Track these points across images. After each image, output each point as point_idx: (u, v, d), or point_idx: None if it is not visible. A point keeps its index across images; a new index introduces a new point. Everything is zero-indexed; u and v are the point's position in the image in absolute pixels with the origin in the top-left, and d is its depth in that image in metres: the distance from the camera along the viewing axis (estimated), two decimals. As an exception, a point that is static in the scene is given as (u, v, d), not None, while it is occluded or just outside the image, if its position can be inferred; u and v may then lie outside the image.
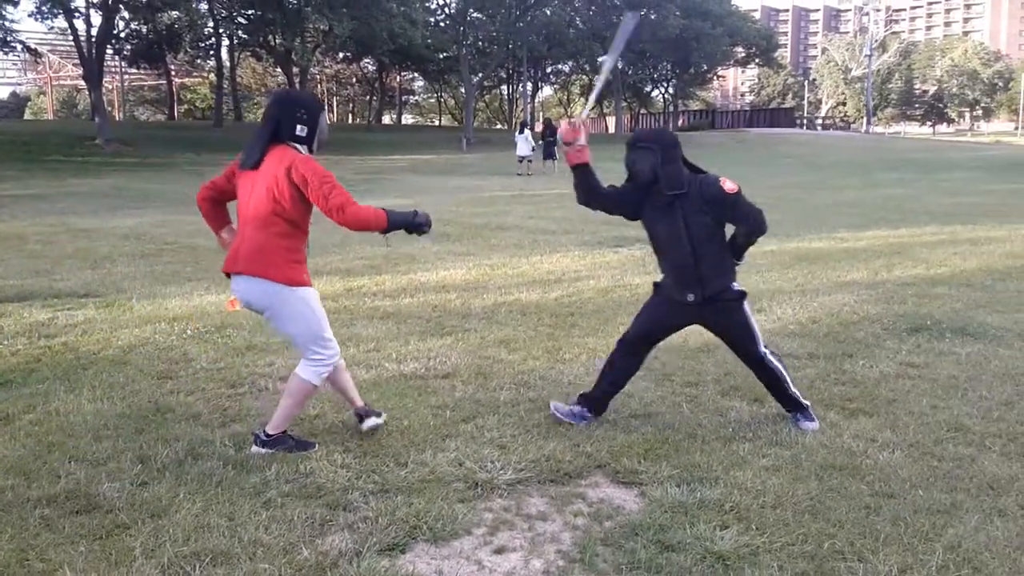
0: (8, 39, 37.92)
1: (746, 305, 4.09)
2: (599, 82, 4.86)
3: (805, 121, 77.55)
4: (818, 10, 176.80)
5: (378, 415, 3.99)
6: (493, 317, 6.58)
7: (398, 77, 71.37)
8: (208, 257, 9.66)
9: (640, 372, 4.98)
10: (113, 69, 57.41)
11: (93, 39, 35.15)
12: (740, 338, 4.12)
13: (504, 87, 72.96)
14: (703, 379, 4.90)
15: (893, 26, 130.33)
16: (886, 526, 3.08)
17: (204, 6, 41.93)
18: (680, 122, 71.48)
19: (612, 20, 54.62)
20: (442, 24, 51.79)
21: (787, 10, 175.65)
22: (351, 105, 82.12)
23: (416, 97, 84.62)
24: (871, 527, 3.07)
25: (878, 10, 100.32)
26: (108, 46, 39.89)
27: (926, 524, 3.09)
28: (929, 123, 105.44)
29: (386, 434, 3.99)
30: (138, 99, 74.20)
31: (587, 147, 4.04)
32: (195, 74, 64.10)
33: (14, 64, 63.05)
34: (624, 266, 8.82)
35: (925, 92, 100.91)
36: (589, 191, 4.11)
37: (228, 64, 53.52)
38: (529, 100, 63.74)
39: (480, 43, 57.02)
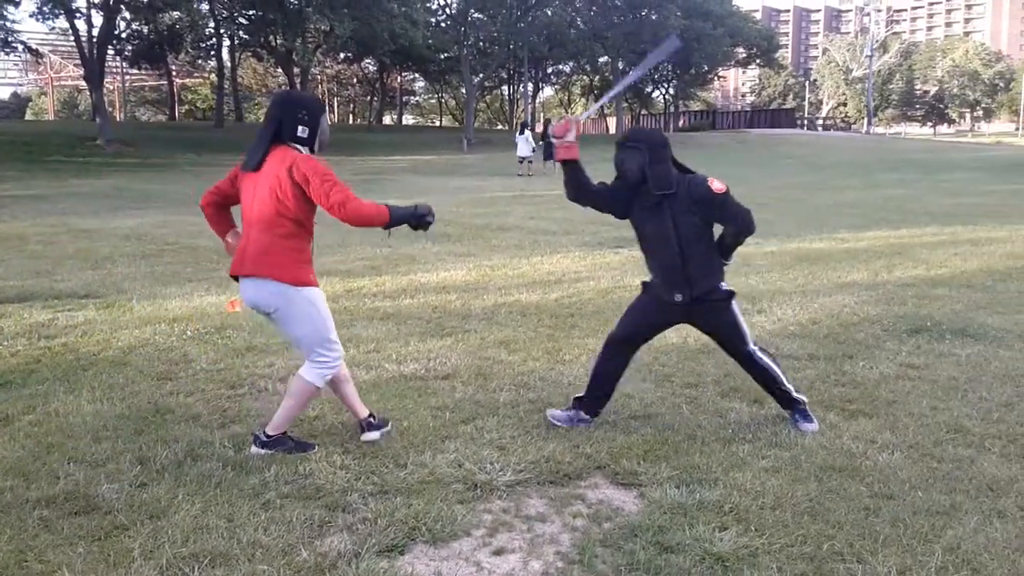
0: (9, 39, 37.94)
1: (735, 304, 4.09)
2: (612, 92, 4.89)
3: (806, 122, 77.51)
4: (819, 10, 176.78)
5: (377, 429, 3.98)
6: (493, 318, 6.58)
7: (399, 77, 71.39)
8: (208, 258, 9.67)
9: (640, 373, 5.00)
10: (114, 70, 57.45)
11: (94, 39, 35.18)
12: (729, 337, 4.12)
13: (505, 88, 72.99)
14: (703, 380, 4.90)
15: (894, 26, 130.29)
16: (885, 527, 3.08)
17: (205, 6, 41.98)
18: (681, 123, 71.49)
19: (613, 21, 54.72)
20: (443, 24, 51.80)
21: (788, 11, 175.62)
22: (352, 106, 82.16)
23: (417, 98, 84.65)
24: (870, 528, 3.07)
25: (879, 10, 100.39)
26: (109, 46, 39.92)
27: (925, 525, 3.08)
28: (930, 124, 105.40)
29: (384, 435, 3.98)
30: (139, 100, 74.25)
31: (576, 145, 4.05)
32: (196, 75, 64.13)
33: (15, 64, 63.08)
34: (624, 267, 8.82)
35: (926, 93, 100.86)
36: (578, 187, 4.12)
37: (229, 64, 53.53)
38: (530, 101, 63.72)
39: (481, 43, 57.01)
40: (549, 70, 69.05)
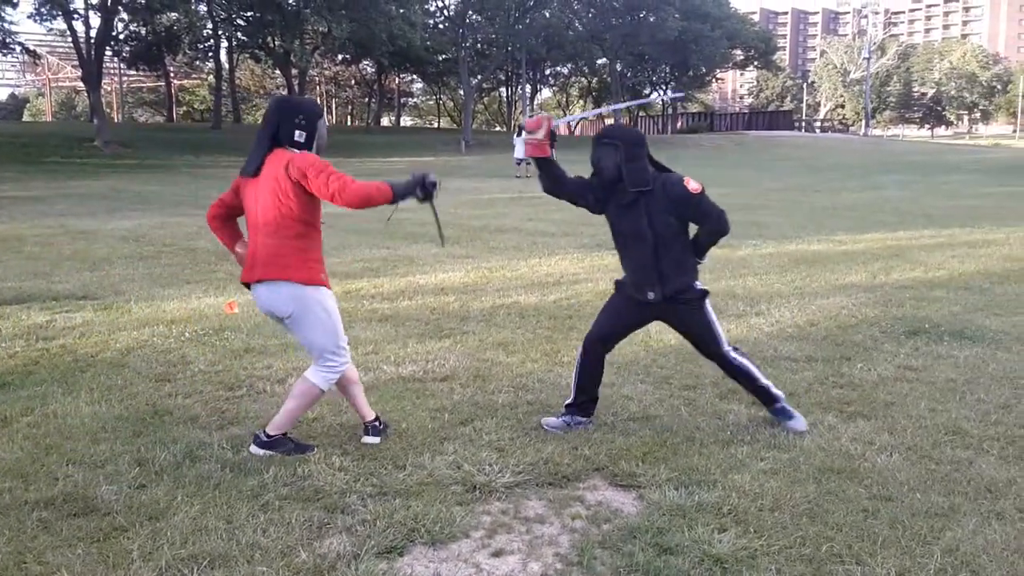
0: (7, 40, 37.89)
1: (708, 305, 4.10)
2: (595, 111, 4.91)
3: (804, 124, 77.69)
4: (817, 13, 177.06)
5: (377, 435, 3.98)
6: (491, 320, 6.58)
7: (397, 79, 71.39)
8: (206, 260, 9.66)
9: (639, 375, 5.00)
10: (112, 71, 57.37)
11: (92, 41, 35.16)
12: (701, 337, 4.13)
13: (503, 89, 73.03)
14: (701, 382, 4.91)
15: (892, 29, 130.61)
16: (884, 529, 3.08)
17: (203, 8, 41.97)
18: (679, 125, 71.60)
19: (611, 22, 54.77)
20: (441, 26, 51.86)
21: (786, 13, 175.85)
22: (350, 107, 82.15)
23: (415, 99, 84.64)
24: (869, 530, 3.08)
25: (877, 13, 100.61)
26: (107, 48, 39.88)
27: (924, 527, 3.09)
28: (927, 126, 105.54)
29: (384, 438, 3.98)
30: (137, 101, 74.18)
31: (547, 142, 4.07)
32: (194, 76, 64.10)
33: (13, 66, 63.03)
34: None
35: (924, 95, 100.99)
36: (553, 181, 4.15)
37: (227, 66, 53.53)
38: (528, 102, 63.74)
39: (479, 45, 57.06)
40: (547, 72, 69.14)
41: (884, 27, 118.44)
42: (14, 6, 33.27)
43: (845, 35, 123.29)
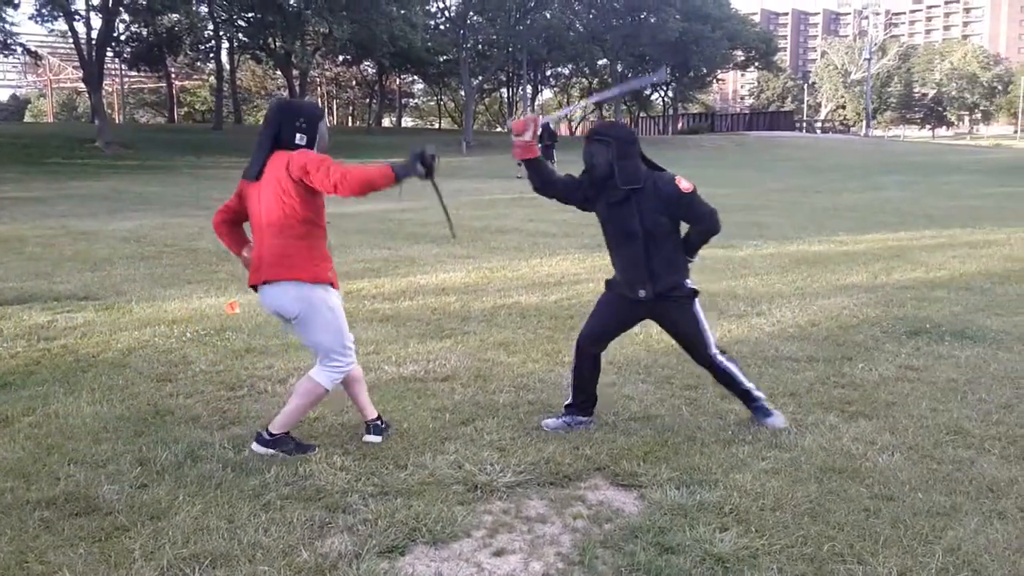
0: (8, 41, 37.92)
1: (697, 305, 4.10)
2: (583, 102, 4.91)
3: (804, 124, 77.69)
4: (817, 14, 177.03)
5: (378, 434, 3.98)
6: (492, 320, 6.59)
7: (398, 80, 71.40)
8: (207, 260, 9.67)
9: (640, 375, 5.00)
10: (113, 72, 57.41)
11: (93, 42, 35.16)
12: (689, 336, 4.12)
13: (504, 90, 73.02)
14: (703, 382, 4.89)
15: (892, 29, 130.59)
16: (886, 528, 3.08)
17: (204, 9, 41.96)
18: (680, 125, 71.58)
19: (612, 23, 54.75)
20: (442, 27, 51.83)
21: (786, 14, 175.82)
22: (351, 108, 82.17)
23: (416, 100, 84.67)
24: (871, 530, 3.08)
25: (877, 13, 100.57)
26: (108, 49, 39.91)
27: (925, 527, 3.09)
28: (928, 126, 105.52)
29: (385, 437, 3.99)
30: (138, 102, 74.23)
31: (534, 143, 4.08)
32: (195, 77, 64.11)
33: (14, 67, 63.01)
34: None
35: (924, 95, 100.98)
36: (543, 181, 4.16)
37: (228, 67, 53.54)
38: (529, 103, 63.74)
39: (480, 46, 57.03)
40: (548, 73, 69.08)
41: (885, 28, 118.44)
42: (15, 7, 33.29)
43: (846, 36, 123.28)
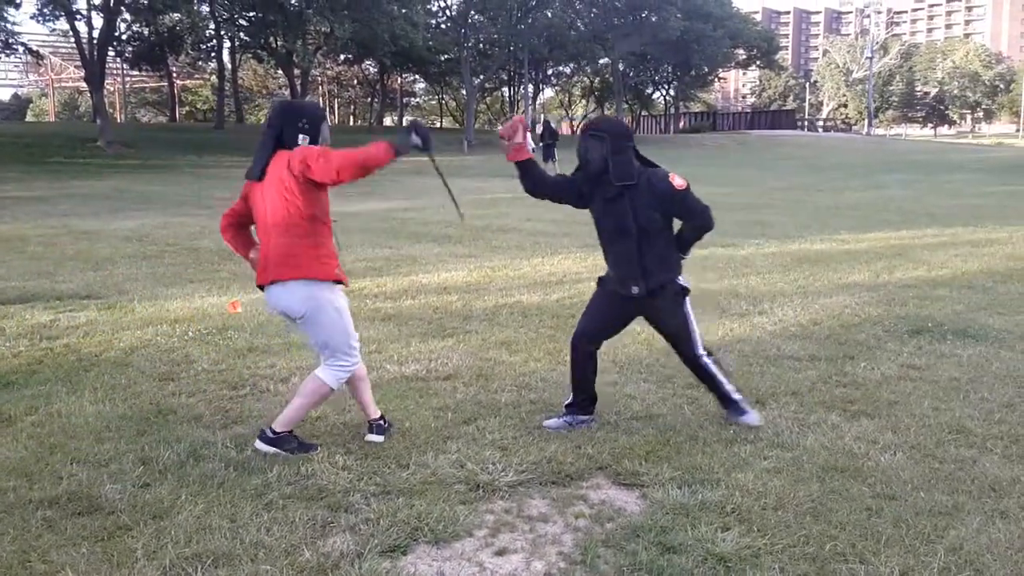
0: (10, 41, 37.92)
1: (688, 303, 4.09)
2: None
3: (806, 123, 77.60)
4: (819, 12, 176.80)
5: (381, 433, 3.99)
6: (494, 319, 6.59)
7: (399, 79, 71.37)
8: (209, 259, 9.67)
9: (642, 374, 5.00)
10: (115, 71, 57.45)
11: (95, 41, 35.16)
12: (676, 333, 4.12)
13: (505, 89, 73.01)
14: (704, 381, 4.89)
15: (894, 28, 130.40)
16: (888, 528, 3.08)
17: (205, 8, 41.96)
18: (681, 124, 71.52)
19: (613, 22, 54.71)
20: (443, 26, 51.79)
21: (788, 12, 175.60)
22: (352, 107, 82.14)
23: (417, 99, 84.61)
24: (873, 529, 3.07)
25: (879, 12, 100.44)
26: (110, 48, 39.88)
27: (928, 526, 3.09)
28: (930, 125, 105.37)
29: (388, 436, 3.99)
30: (140, 101, 74.25)
31: (525, 144, 4.12)
32: (196, 76, 64.12)
33: (16, 66, 63.01)
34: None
35: (926, 94, 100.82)
36: (534, 181, 4.20)
37: (229, 66, 53.53)
38: (530, 102, 63.73)
39: (481, 45, 57.03)
40: (549, 71, 69.05)
41: (887, 26, 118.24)
42: (17, 6, 33.27)
43: (848, 34, 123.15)
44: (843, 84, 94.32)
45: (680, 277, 4.07)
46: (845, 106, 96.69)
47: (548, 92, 79.92)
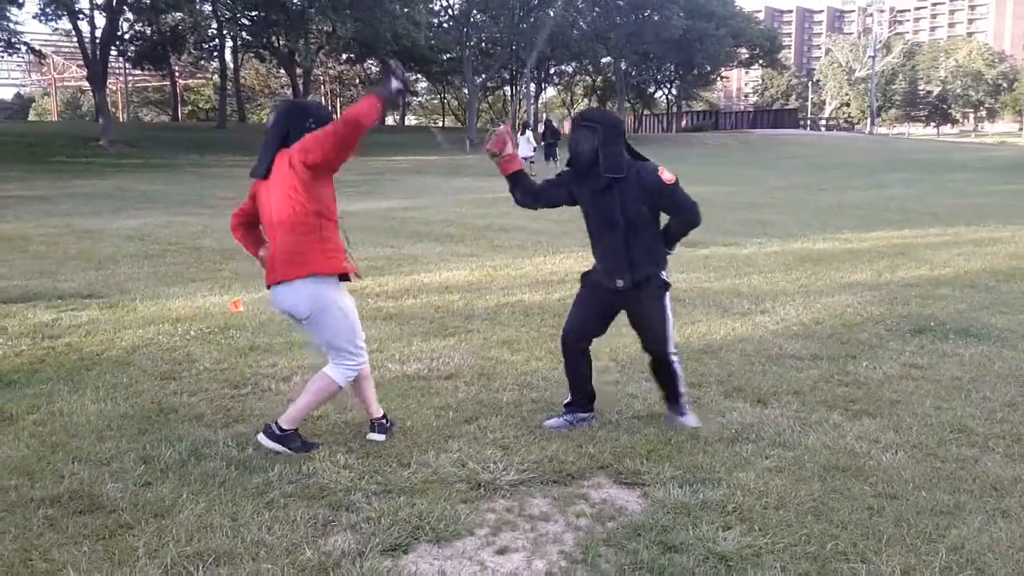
0: (12, 40, 37.99)
1: (667, 299, 4.08)
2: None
3: (809, 122, 77.53)
4: (822, 11, 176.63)
5: (383, 432, 3.99)
6: (496, 318, 6.59)
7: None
8: (211, 258, 9.68)
9: (644, 373, 4.99)
10: (117, 70, 57.48)
11: (97, 40, 35.20)
12: (653, 328, 4.08)
13: (507, 88, 72.98)
14: (706, 380, 4.90)
15: (897, 27, 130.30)
16: (889, 527, 3.07)
17: (208, 8, 42.02)
18: (684, 123, 71.47)
19: (615, 21, 54.71)
20: (445, 25, 51.82)
21: (791, 11, 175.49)
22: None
23: (419, 98, 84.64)
24: (874, 528, 3.07)
25: (882, 11, 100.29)
26: (112, 47, 39.88)
27: (929, 525, 3.08)
28: (933, 124, 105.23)
29: (389, 436, 3.99)
30: (142, 100, 74.30)
31: (516, 154, 4.12)
32: (199, 75, 64.19)
33: (18, 65, 63.09)
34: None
35: (929, 93, 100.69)
36: (526, 192, 4.18)
37: (232, 65, 53.56)
38: (532, 101, 63.72)
39: (483, 44, 57.03)
40: (551, 71, 69.04)
41: (889, 25, 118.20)
42: (19, 6, 33.31)
43: (850, 33, 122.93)
44: (846, 83, 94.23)
45: (663, 272, 4.06)
46: (848, 105, 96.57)
47: (550, 91, 79.96)
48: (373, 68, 65.19)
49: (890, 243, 10.93)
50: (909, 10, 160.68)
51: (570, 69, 69.57)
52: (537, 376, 5.00)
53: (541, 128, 28.65)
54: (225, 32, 46.63)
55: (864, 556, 2.88)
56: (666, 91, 73.48)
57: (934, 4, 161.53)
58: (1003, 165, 33.22)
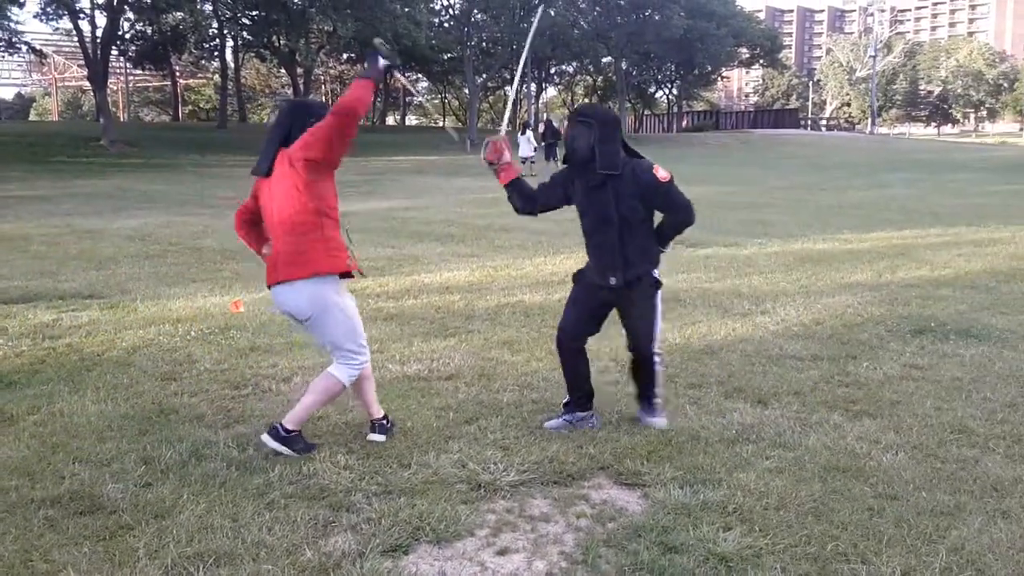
0: (13, 40, 38.03)
1: (659, 297, 4.08)
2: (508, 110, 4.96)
3: (809, 122, 77.50)
4: (822, 11, 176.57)
5: (383, 432, 3.99)
6: (496, 318, 6.59)
7: (402, 78, 71.35)
8: (212, 259, 9.68)
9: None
10: (118, 70, 57.49)
11: (98, 40, 35.22)
12: (642, 325, 4.07)
13: (508, 88, 72.96)
14: (706, 381, 4.90)
15: (898, 26, 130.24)
16: (889, 528, 3.07)
17: (208, 7, 42.04)
18: (684, 123, 71.43)
19: (616, 21, 54.70)
20: (446, 25, 51.83)
21: (791, 11, 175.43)
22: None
23: (420, 98, 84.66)
24: (874, 529, 3.07)
25: (883, 10, 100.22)
26: (113, 47, 39.89)
27: (929, 526, 3.08)
28: (934, 124, 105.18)
29: (390, 436, 3.99)
30: (143, 100, 74.34)
31: (513, 163, 4.13)
32: (199, 75, 64.20)
33: (19, 65, 63.13)
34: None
35: (930, 93, 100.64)
36: (525, 199, 4.23)
37: (232, 65, 53.58)
38: (533, 101, 63.70)
39: (484, 44, 57.02)
40: (552, 70, 69.00)
41: (890, 25, 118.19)
42: (20, 6, 33.33)
43: (851, 33, 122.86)
44: (846, 83, 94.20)
45: (656, 270, 4.06)
46: (848, 105, 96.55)
47: (551, 91, 79.91)
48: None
49: (890, 243, 10.93)
50: (910, 9, 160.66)
51: (571, 69, 69.55)
52: (538, 377, 4.99)
53: (541, 128, 28.66)
54: (226, 32, 46.64)
55: (864, 557, 2.88)
56: (667, 91, 73.43)
57: (935, 4, 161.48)
58: (1004, 165, 33.21)
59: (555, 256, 9.84)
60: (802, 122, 73.46)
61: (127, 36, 44.99)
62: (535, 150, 25.92)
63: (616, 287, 4.01)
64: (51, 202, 16.70)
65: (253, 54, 55.83)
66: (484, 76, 58.58)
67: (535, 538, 3.05)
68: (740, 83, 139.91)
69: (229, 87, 52.98)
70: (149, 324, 6.34)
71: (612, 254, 3.99)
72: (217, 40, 49.14)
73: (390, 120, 73.96)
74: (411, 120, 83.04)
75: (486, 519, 3.18)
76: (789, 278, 8.33)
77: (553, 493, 3.41)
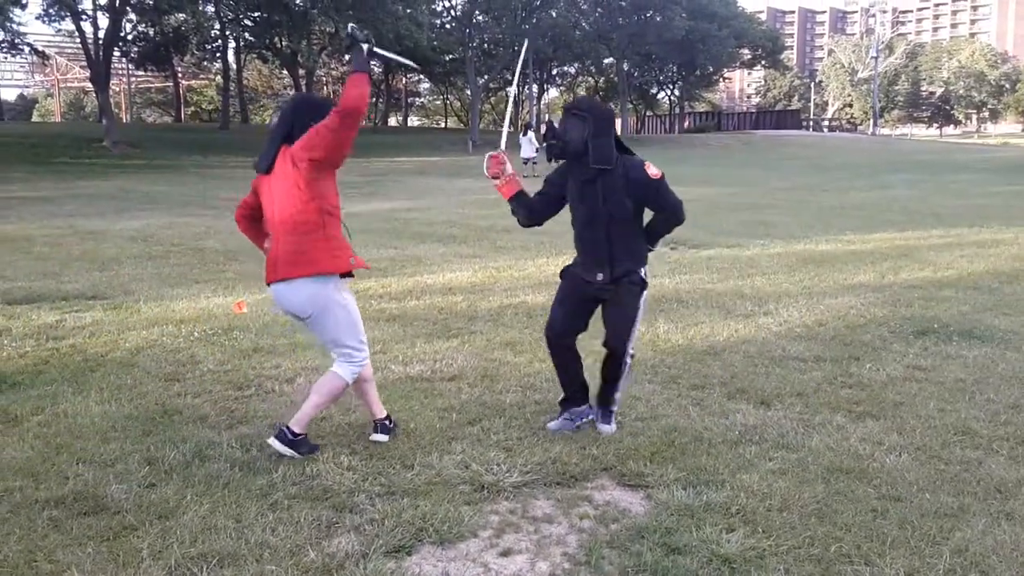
0: (16, 41, 38.07)
1: (643, 299, 4.06)
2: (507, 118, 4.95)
3: (811, 123, 77.48)
4: (824, 12, 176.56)
5: (386, 433, 3.99)
6: (499, 319, 6.59)
7: (404, 79, 71.40)
8: (215, 259, 9.69)
9: (646, 375, 4.99)
10: (120, 71, 57.57)
11: (100, 41, 35.28)
12: (620, 323, 4.04)
13: (510, 89, 72.98)
14: (709, 382, 4.90)
15: (899, 27, 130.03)
16: (893, 529, 3.07)
17: (210, 9, 42.06)
18: (686, 124, 71.44)
19: (618, 22, 54.73)
20: (448, 26, 51.84)
21: (793, 12, 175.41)
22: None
23: (422, 99, 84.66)
24: (878, 530, 3.07)
25: (884, 12, 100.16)
26: (115, 48, 39.97)
27: (933, 528, 3.08)
28: (936, 125, 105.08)
29: (392, 437, 3.99)
30: (145, 101, 74.44)
31: (515, 176, 4.12)
32: (202, 76, 64.27)
33: (22, 66, 63.21)
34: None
35: (932, 94, 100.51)
36: (530, 211, 4.22)
37: (234, 66, 53.63)
38: (535, 102, 63.71)
39: (486, 45, 57.03)
40: (554, 71, 69.02)
41: (892, 26, 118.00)
42: (23, 7, 33.36)
43: (853, 34, 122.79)
44: (848, 84, 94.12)
45: (643, 269, 4.05)
46: (850, 106, 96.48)
47: (553, 92, 79.90)
48: (375, 69, 65.25)
49: (893, 244, 10.92)
50: (912, 11, 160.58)
51: (572, 70, 69.55)
52: (540, 378, 4.99)
53: (543, 129, 28.67)
54: (228, 33, 46.69)
55: (868, 558, 2.88)
56: (668, 92, 73.44)
57: (937, 5, 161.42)
58: (1006, 166, 33.17)
59: (557, 257, 9.83)
60: (804, 123, 73.50)
61: (129, 37, 45.04)
62: (537, 151, 25.93)
63: (602, 283, 4.00)
64: (54, 203, 16.73)
65: (255, 55, 55.83)
66: (486, 77, 58.58)
67: (538, 539, 3.05)
68: (742, 84, 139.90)
69: (231, 88, 53.02)
70: (152, 325, 6.35)
71: (599, 250, 3.99)
72: (219, 41, 49.20)
73: (392, 121, 73.98)
74: (413, 121, 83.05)
75: (489, 520, 3.19)
76: (792, 279, 8.33)
77: (556, 494, 3.41)
